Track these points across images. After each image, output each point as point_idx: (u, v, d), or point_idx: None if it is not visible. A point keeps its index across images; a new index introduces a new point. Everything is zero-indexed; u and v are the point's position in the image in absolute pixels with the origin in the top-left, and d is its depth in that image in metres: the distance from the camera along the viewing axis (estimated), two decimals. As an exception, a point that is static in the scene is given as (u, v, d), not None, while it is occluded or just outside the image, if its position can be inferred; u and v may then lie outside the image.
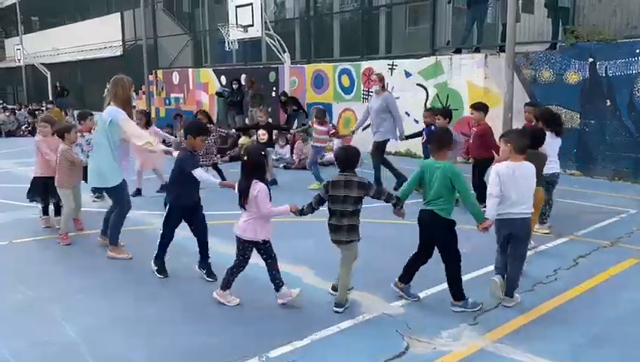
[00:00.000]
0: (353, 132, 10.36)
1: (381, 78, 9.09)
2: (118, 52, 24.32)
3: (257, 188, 4.18)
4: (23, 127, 19.88)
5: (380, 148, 8.92)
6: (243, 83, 15.90)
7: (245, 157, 4.26)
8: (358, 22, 15.14)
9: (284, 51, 14.15)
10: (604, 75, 9.67)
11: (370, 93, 13.52)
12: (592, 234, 6.34)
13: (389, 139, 8.95)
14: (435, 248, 4.42)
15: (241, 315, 4.29)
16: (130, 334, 4.00)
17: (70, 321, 4.18)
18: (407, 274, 4.51)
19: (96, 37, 25.36)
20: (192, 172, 4.78)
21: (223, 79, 17.50)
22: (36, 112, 20.24)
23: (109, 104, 5.50)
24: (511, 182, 4.24)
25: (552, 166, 6.09)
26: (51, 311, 4.39)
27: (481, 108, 7.68)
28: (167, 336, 3.95)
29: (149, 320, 4.24)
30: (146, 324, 4.16)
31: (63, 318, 4.24)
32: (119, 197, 5.71)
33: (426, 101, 12.23)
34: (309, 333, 3.89)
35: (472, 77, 11.50)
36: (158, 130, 9.69)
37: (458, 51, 12.12)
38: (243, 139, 11.52)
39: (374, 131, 9.02)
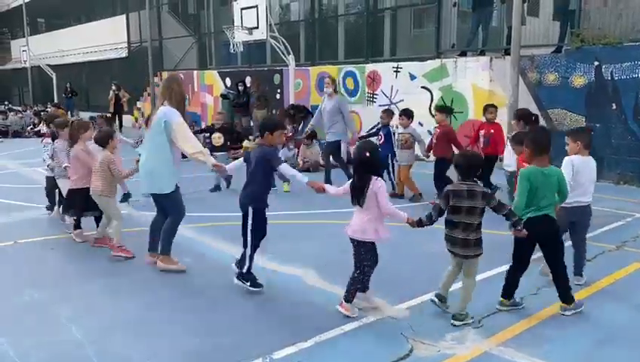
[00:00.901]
0: (307, 133, 10.82)
1: (333, 81, 9.36)
2: (124, 54, 24.38)
3: (379, 183, 4.08)
4: (29, 128, 19.98)
5: (332, 149, 9.16)
6: (248, 85, 15.95)
7: (367, 154, 4.11)
8: (363, 24, 15.15)
9: (289, 53, 14.17)
10: (609, 78, 9.64)
11: (375, 96, 13.57)
12: (597, 237, 6.31)
13: (340, 141, 9.17)
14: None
15: (245, 316, 4.30)
16: (135, 335, 4.01)
17: (75, 322, 4.19)
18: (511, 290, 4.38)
19: (102, 38, 25.41)
20: (279, 167, 4.55)
21: (228, 81, 17.54)
22: (41, 113, 20.36)
23: (162, 104, 5.14)
24: (585, 172, 4.82)
25: None
26: (57, 312, 4.41)
27: (444, 110, 8.31)
28: (172, 337, 3.97)
29: (153, 321, 4.25)
30: (151, 326, 4.17)
31: (69, 319, 4.25)
32: (174, 205, 5.26)
33: (431, 104, 12.22)
34: (313, 335, 3.90)
35: (477, 80, 11.49)
36: (123, 137, 9.06)
37: (463, 54, 12.12)
38: (246, 143, 11.57)
39: (327, 132, 9.30)
